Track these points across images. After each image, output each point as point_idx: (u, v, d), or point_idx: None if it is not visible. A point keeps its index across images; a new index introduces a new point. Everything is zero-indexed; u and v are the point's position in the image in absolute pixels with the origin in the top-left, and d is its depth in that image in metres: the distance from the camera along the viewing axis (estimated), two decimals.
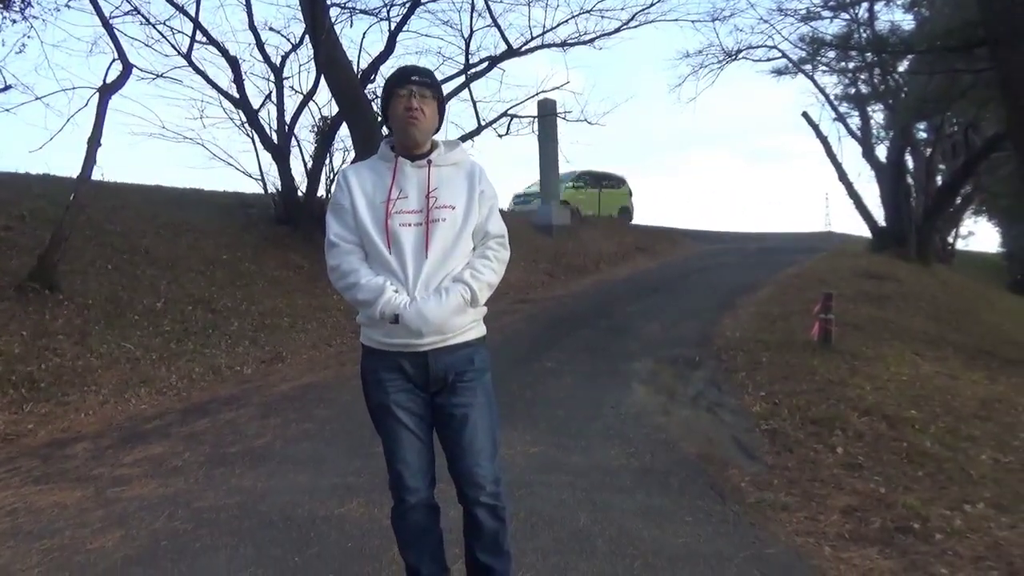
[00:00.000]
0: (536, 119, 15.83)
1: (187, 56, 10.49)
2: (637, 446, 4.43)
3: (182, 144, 11.83)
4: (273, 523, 3.34)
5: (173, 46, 10.51)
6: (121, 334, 7.13)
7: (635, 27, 13.20)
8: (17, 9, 6.76)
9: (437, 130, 2.29)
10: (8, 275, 7.48)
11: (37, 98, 7.76)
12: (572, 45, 12.90)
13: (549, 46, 13.16)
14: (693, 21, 24.80)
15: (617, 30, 12.83)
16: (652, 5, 12.82)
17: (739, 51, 19.22)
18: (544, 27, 12.87)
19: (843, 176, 17.25)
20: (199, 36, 10.55)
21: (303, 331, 8.37)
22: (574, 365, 6.75)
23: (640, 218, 24.27)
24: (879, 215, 17.23)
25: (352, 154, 11.73)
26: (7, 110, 7.75)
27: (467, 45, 12.59)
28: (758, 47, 19.17)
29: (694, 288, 11.60)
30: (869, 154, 18.44)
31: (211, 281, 9.13)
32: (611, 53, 29.52)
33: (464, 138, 13.23)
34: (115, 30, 8.08)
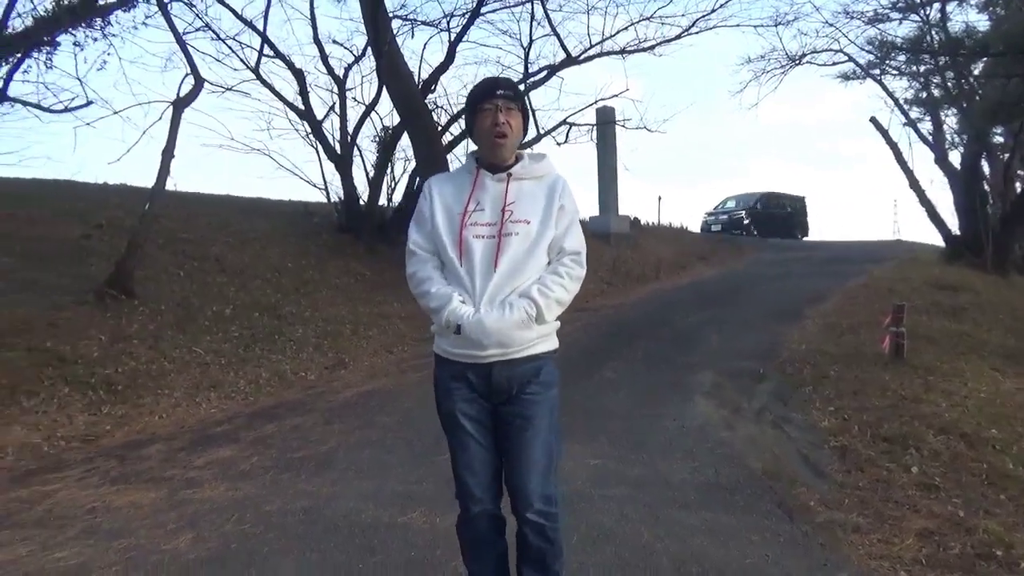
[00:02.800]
0: (595, 127, 15.82)
1: (255, 69, 10.84)
2: (700, 460, 4.35)
3: (250, 155, 12.15)
4: (338, 529, 3.39)
5: (242, 60, 10.89)
6: (192, 339, 7.37)
7: (696, 33, 13.07)
8: (98, 27, 7.07)
9: (522, 141, 2.30)
10: (88, 281, 7.82)
11: (115, 112, 8.13)
12: (631, 52, 12.84)
13: (608, 54, 13.14)
14: (755, 26, 24.33)
15: (677, 36, 12.74)
16: (713, 11, 12.67)
17: (803, 55, 18.77)
18: (603, 35, 12.83)
19: (914, 183, 16.65)
20: (266, 50, 10.88)
21: (365, 338, 8.51)
22: (634, 376, 6.69)
23: (699, 225, 23.96)
24: (952, 223, 16.58)
25: (412, 163, 11.91)
26: (88, 124, 8.15)
27: (526, 55, 12.69)
28: (823, 51, 18.68)
29: (758, 298, 11.35)
30: (942, 160, 17.74)
31: (277, 288, 9.37)
32: (671, 60, 29.28)
33: (522, 147, 13.24)
34: (188, 46, 8.40)
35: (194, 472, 4.31)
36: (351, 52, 12.11)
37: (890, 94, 19.00)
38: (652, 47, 12.95)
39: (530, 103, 13.40)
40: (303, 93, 11.12)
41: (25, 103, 6.66)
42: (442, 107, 12.26)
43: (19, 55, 6.53)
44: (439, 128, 11.56)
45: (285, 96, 11.31)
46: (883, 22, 17.45)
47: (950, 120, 19.35)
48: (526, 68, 12.70)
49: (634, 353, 7.68)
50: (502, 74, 13.54)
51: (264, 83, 10.96)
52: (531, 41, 12.29)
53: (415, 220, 2.28)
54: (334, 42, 12.41)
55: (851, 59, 18.64)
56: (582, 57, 12.62)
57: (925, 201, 15.89)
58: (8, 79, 6.50)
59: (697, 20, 12.76)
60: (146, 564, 3.05)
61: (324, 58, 11.56)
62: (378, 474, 4.21)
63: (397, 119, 11.54)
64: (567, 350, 7.95)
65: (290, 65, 11.01)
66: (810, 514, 3.60)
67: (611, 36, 12.91)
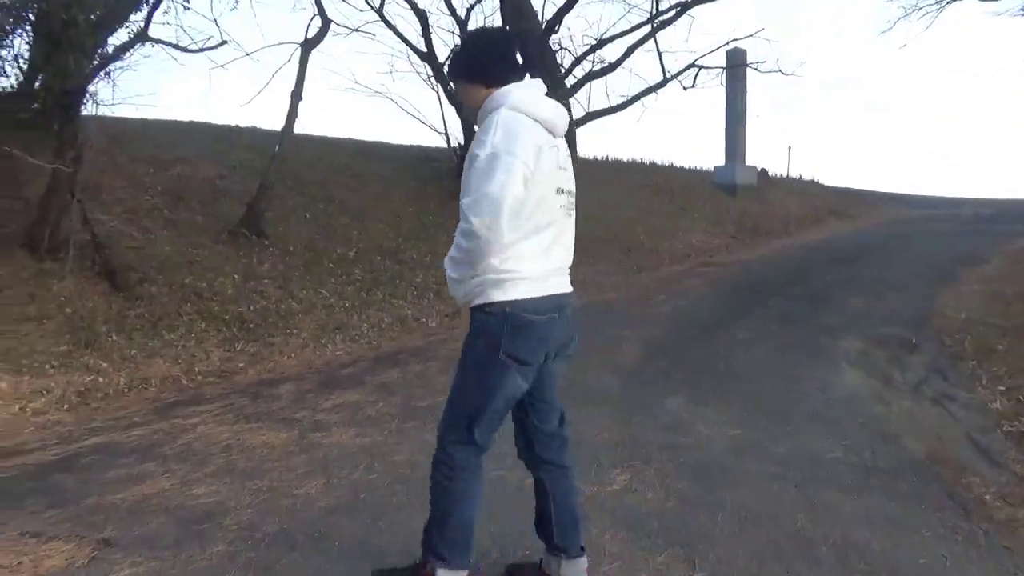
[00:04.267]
0: (724, 70, 14.91)
1: (379, 10, 10.74)
2: (852, 438, 3.95)
3: (373, 98, 12.15)
4: None
5: (367, 1, 10.78)
6: (318, 280, 7.50)
7: None
8: None
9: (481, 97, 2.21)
10: (222, 220, 8.08)
11: (247, 54, 8.22)
12: None
13: None
14: None
15: None
16: None
17: None
18: None
19: None
20: None
21: None
22: (768, 337, 6.26)
23: (830, 178, 22.48)
24: None
25: None
26: (221, 66, 8.22)
27: None
28: None
29: (901, 258, 10.46)
30: None
31: (398, 232, 9.41)
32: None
33: (647, 91, 12.69)
34: None
35: (322, 415, 4.33)
36: None
37: None
38: None
39: (657, 44, 12.72)
40: (426, 34, 10.96)
41: (165, 43, 6.80)
42: (566, 48, 11.82)
43: None
44: (563, 70, 11.16)
45: (408, 38, 11.19)
46: None
47: None
48: (655, 5, 11.99)
49: (766, 312, 7.21)
50: (628, 12, 12.90)
51: (388, 24, 10.86)
52: None
53: None
54: None
55: None
56: None
57: None
58: (148, 19, 6.63)
59: None
60: (279, 508, 3.04)
61: None
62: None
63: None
64: (693, 306, 7.63)
65: (413, 5, 10.85)
66: (987, 510, 3.18)
67: None
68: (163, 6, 6.96)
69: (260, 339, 6.06)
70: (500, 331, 2.08)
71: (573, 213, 2.23)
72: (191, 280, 6.75)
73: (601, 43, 11.63)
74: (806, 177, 20.47)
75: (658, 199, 14.28)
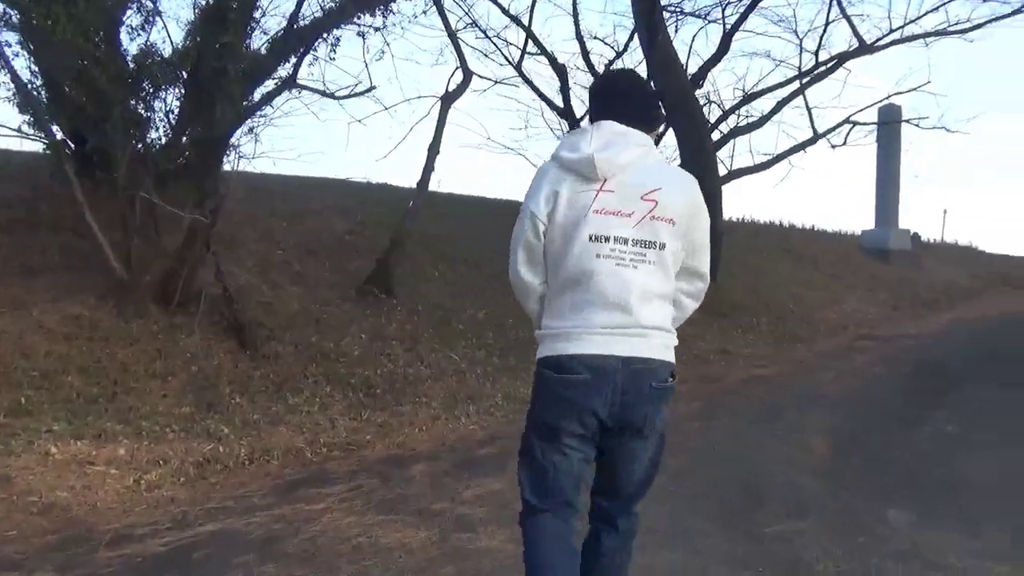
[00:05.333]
0: (877, 127, 13.75)
1: (518, 66, 10.46)
2: None
3: (505, 155, 11.83)
4: None
5: (506, 57, 10.54)
6: (448, 343, 6.97)
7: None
8: (380, 14, 6.94)
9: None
10: (350, 277, 7.76)
11: (385, 108, 8.00)
12: (942, 35, 10.76)
13: (908, 39, 11.11)
14: None
15: (1013, 13, 10.40)
16: None
17: None
18: (905, 17, 10.87)
19: None
20: (530, 47, 10.47)
21: None
22: (984, 433, 5.14)
23: (990, 245, 20.41)
24: None
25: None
26: (359, 121, 8.07)
27: (817, 44, 11.12)
28: None
29: None
30: None
31: None
32: (980, 47, 25.14)
33: (795, 149, 11.73)
34: (459, 39, 8.10)
35: (464, 508, 3.66)
36: (612, 48, 11.39)
37: None
38: (967, 30, 10.75)
39: (806, 99, 11.79)
40: (564, 90, 10.57)
41: (312, 89, 6.61)
42: (714, 102, 11.11)
43: (307, 47, 6.49)
44: (709, 124, 10.45)
45: (545, 94, 10.83)
46: None
47: None
48: (800, 60, 11.13)
49: (967, 403, 6.03)
50: (773, 70, 12.10)
51: (526, 80, 10.55)
52: (826, 24, 10.65)
53: None
54: (594, 38, 11.78)
55: None
56: (877, 44, 10.79)
57: None
58: (297, 66, 6.48)
59: None
60: None
61: (585, 54, 10.93)
62: (683, 543, 3.26)
63: None
64: (872, 389, 6.54)
65: (553, 60, 10.50)
66: None
67: (916, 19, 10.90)
68: (308, 58, 6.80)
69: (388, 407, 5.53)
70: (534, 392, 2.02)
71: (641, 263, 1.89)
72: (317, 339, 6.36)
73: (749, 97, 10.88)
74: (962, 243, 18.63)
75: (802, 264, 13.13)
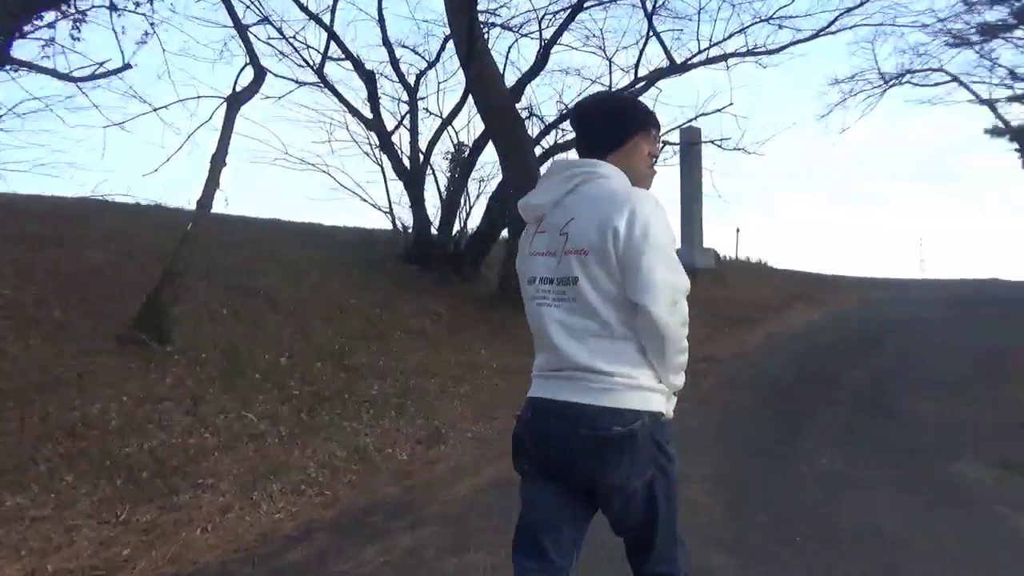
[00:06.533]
0: (680, 148, 14.07)
1: (319, 70, 9.19)
2: None
3: (304, 173, 10.36)
4: None
5: (305, 59, 9.23)
6: (241, 400, 5.57)
7: (819, 36, 11.29)
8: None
9: None
10: (108, 320, 6.09)
11: (154, 109, 6.42)
12: (747, 55, 11.04)
13: (713, 61, 11.31)
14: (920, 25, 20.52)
15: (812, 37, 10.86)
16: (861, 5, 10.96)
17: (902, 75, 17.05)
18: (711, 40, 11.04)
19: None
20: (333, 50, 9.27)
21: (457, 397, 6.65)
22: (860, 467, 4.74)
23: (777, 262, 21.94)
24: None
25: (493, 183, 10.19)
26: (118, 124, 6.41)
27: (611, 62, 10.93)
28: (921, 70, 17.02)
29: (922, 348, 9.27)
30: None
31: (340, 331, 7.57)
32: (772, 73, 27.48)
33: None
34: (248, 31, 6.72)
35: None
36: (423, 58, 10.49)
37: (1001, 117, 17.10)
38: (771, 52, 11.14)
39: None
40: (372, 99, 9.45)
41: (37, 67, 4.93)
42: (536, 115, 10.51)
43: (31, 11, 4.83)
44: (533, 143, 9.83)
45: (352, 103, 9.64)
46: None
47: None
48: (636, 73, 10.93)
49: (826, 426, 5.75)
50: (590, 87, 11.89)
51: (328, 86, 9.29)
52: (645, 41, 10.48)
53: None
54: (403, 47, 10.77)
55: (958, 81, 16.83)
56: (688, 63, 10.84)
57: None
58: (10, 39, 4.77)
59: (839, 17, 11.00)
60: None
61: (394, 62, 9.93)
62: None
63: (476, 133, 9.86)
64: (726, 417, 6.06)
65: (358, 65, 9.37)
66: None
67: (720, 41, 11.12)
68: (44, 38, 5.12)
69: (157, 498, 4.07)
70: None
71: (562, 301, 1.80)
72: (57, 408, 4.73)
73: (566, 116, 10.43)
74: (753, 259, 19.79)
75: None
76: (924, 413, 6.03)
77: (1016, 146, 17.54)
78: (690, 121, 12.37)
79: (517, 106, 9.75)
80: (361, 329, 7.78)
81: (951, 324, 10.94)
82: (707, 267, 15.42)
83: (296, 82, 9.29)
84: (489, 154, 9.78)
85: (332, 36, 8.98)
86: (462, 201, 10.05)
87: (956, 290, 16.50)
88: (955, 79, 17.01)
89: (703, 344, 10.38)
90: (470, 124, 13.52)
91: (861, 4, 11.28)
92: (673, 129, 12.42)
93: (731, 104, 11.48)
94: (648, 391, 1.76)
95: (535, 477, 1.86)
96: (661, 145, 1.80)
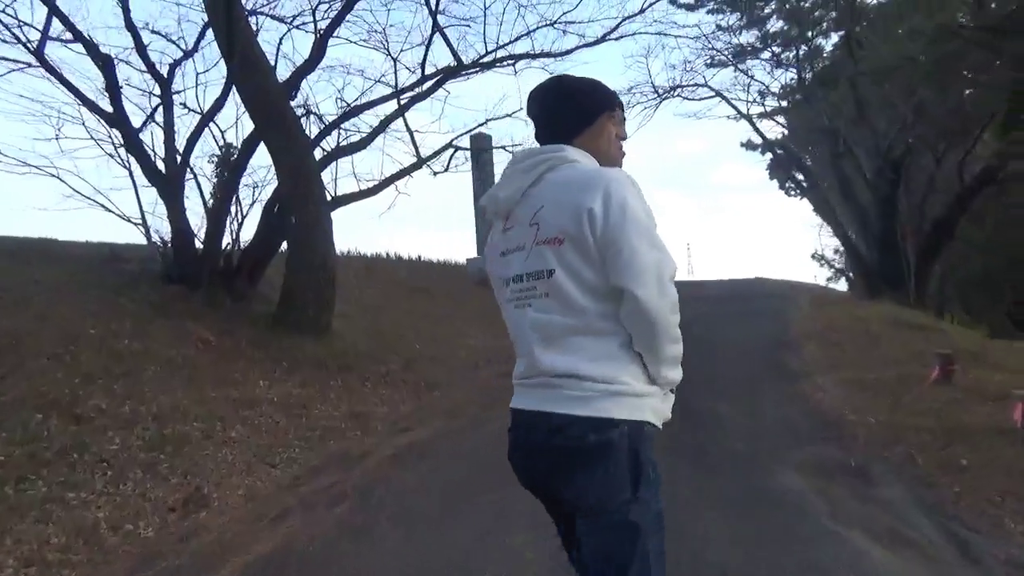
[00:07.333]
0: (471, 154, 13.69)
1: (39, 52, 7.48)
2: None
3: (26, 176, 8.35)
4: None
5: (18, 37, 7.47)
6: None
7: (610, 40, 11.42)
8: None
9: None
10: None
11: None
12: (534, 58, 10.82)
13: (501, 62, 10.99)
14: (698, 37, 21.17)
15: (597, 42, 10.87)
16: (642, 11, 11.25)
17: (674, 88, 18.11)
18: (497, 42, 10.73)
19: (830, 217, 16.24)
20: (56, 28, 7.61)
21: (226, 443, 5.53)
22: (683, 481, 4.39)
23: None
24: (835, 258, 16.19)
25: (269, 189, 9.04)
26: None
27: (396, 61, 10.26)
28: (688, 86, 18.19)
29: (707, 350, 9.49)
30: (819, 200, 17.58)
31: (73, 370, 6.09)
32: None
33: (401, 174, 10.81)
34: None
35: None
36: (178, 46, 9.06)
37: (760, 133, 18.69)
38: (551, 55, 11.03)
39: (406, 122, 11.02)
40: (112, 88, 7.89)
41: None
42: (314, 113, 9.43)
43: None
44: (311, 140, 8.80)
45: (86, 94, 7.99)
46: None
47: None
48: (422, 71, 10.24)
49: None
50: (373, 87, 11.09)
51: (52, 71, 7.58)
52: (430, 39, 9.81)
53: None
54: (153, 31, 9.17)
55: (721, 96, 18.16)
56: (480, 61, 10.43)
57: (843, 236, 15.25)
58: None
59: (620, 23, 11.11)
60: None
61: (141, 48, 8.42)
62: None
63: (246, 133, 8.67)
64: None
65: (92, 49, 7.77)
66: None
67: (508, 43, 10.84)
68: None
69: None
70: None
71: (535, 298, 1.64)
72: None
73: (353, 111, 9.51)
74: None
75: (421, 298, 12.29)
76: (726, 414, 5.94)
77: (769, 157, 19.25)
78: (480, 126, 11.98)
79: (293, 104, 8.71)
80: (101, 366, 6.32)
81: (724, 321, 11.42)
82: None
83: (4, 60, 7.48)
84: (262, 156, 8.63)
85: (54, 11, 7.34)
86: (232, 210, 8.75)
87: (723, 289, 17.69)
88: (718, 94, 18.31)
89: (509, 359, 9.98)
90: (239, 123, 12.15)
91: (641, 12, 11.60)
92: (463, 134, 11.95)
93: (520, 109, 11.21)
94: (635, 397, 1.59)
95: (536, 495, 1.73)
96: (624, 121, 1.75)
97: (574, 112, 1.75)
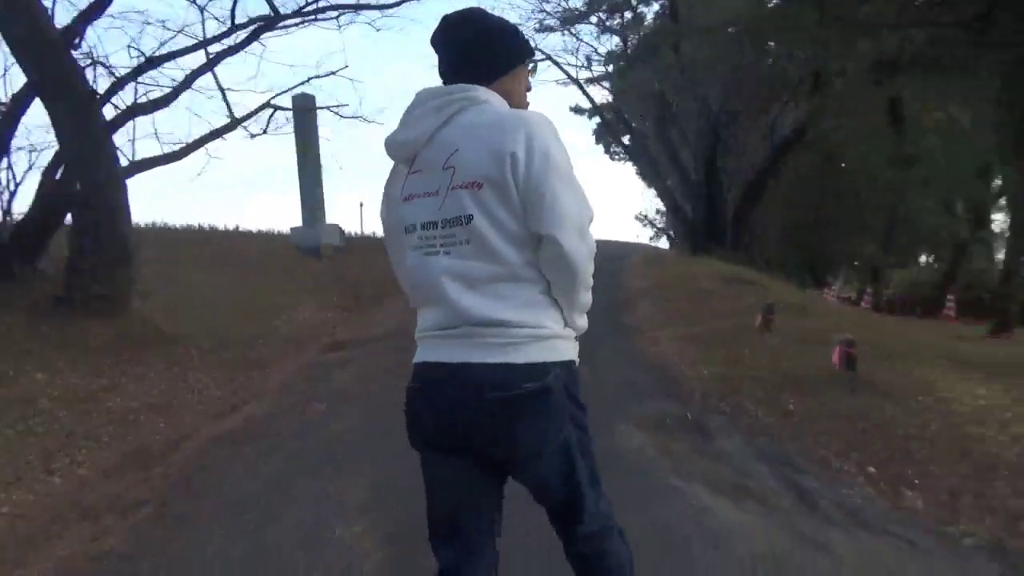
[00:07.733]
0: (294, 115, 12.79)
1: None
2: None
3: None
4: None
5: None
6: None
7: None
8: None
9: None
10: None
11: None
12: (356, 9, 10.11)
13: (323, 11, 10.18)
14: None
15: None
16: None
17: None
18: None
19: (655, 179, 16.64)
20: None
21: None
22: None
23: None
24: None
25: (49, 153, 7.82)
26: None
27: (203, 8, 9.20)
28: None
29: None
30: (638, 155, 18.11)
31: None
32: (384, 38, 26.76)
33: (211, 136, 9.82)
34: None
35: None
36: None
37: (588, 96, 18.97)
38: (373, 7, 10.37)
39: (217, 79, 10.00)
40: None
41: None
42: (102, 63, 8.15)
43: None
44: (99, 96, 7.63)
45: None
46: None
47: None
48: (204, 29, 9.23)
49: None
50: (173, 37, 9.93)
51: None
52: None
53: None
54: None
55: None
56: (306, 9, 9.56)
57: (668, 196, 15.74)
58: None
59: None
60: None
61: None
62: None
63: (17, 87, 7.38)
64: (371, 415, 5.19)
65: None
66: None
67: None
68: None
69: None
70: None
71: (452, 245, 1.54)
72: None
73: (151, 61, 8.31)
74: (380, 235, 19.42)
75: (236, 272, 11.31)
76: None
77: (597, 121, 19.62)
78: (302, 84, 11.13)
79: (75, 53, 7.50)
80: None
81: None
82: (332, 244, 14.47)
83: None
84: (39, 114, 7.39)
85: None
86: (2, 178, 7.46)
87: None
88: (548, 57, 18.35)
89: (339, 327, 9.43)
90: (7, 75, 10.48)
91: None
92: (283, 92, 11.07)
93: (346, 67, 10.65)
94: (558, 339, 1.59)
95: (436, 454, 1.64)
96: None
97: (501, 54, 1.65)
